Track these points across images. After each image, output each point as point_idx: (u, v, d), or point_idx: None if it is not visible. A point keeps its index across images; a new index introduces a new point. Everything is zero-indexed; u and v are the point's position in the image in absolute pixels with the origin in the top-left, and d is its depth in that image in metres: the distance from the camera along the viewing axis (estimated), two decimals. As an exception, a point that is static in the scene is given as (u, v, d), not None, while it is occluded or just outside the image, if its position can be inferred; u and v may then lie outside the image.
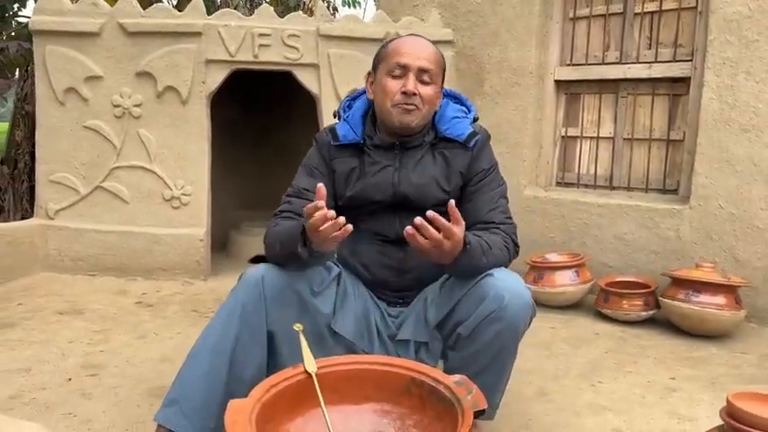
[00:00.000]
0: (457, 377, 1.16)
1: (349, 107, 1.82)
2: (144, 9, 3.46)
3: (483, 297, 1.45)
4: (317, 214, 1.34)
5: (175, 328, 2.73)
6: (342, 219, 1.36)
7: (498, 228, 1.62)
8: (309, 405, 1.18)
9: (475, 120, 1.78)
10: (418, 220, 1.33)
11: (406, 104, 1.62)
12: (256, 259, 4.18)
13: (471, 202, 1.69)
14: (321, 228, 1.34)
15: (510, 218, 1.69)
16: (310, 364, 1.23)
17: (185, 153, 3.51)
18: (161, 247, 3.49)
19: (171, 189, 3.50)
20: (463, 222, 1.40)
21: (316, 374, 1.21)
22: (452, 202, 1.39)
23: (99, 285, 3.35)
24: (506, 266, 1.59)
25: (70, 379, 2.14)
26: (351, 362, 1.27)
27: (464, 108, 1.79)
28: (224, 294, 3.18)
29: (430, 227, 1.34)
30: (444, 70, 1.72)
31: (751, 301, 2.81)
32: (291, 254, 1.49)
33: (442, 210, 1.68)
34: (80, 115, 3.46)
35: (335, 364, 1.25)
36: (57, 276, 3.46)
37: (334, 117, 1.86)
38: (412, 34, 1.73)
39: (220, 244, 4.15)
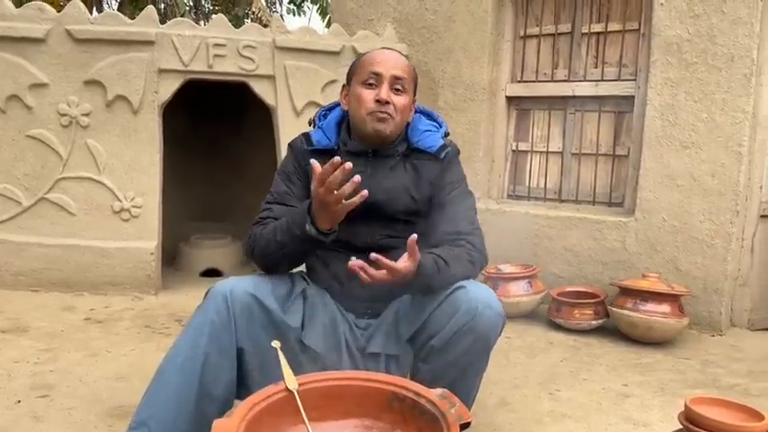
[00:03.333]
0: (439, 390, 1.18)
1: (324, 116, 1.85)
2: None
3: (456, 309, 1.48)
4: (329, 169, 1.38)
5: (128, 345, 2.64)
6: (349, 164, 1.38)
7: (465, 239, 1.66)
8: (292, 422, 1.17)
9: (446, 135, 1.83)
10: (358, 263, 1.42)
11: (380, 113, 1.65)
12: (207, 273, 4.10)
13: (440, 214, 1.72)
14: (333, 186, 1.39)
15: (478, 229, 1.73)
16: (291, 381, 1.22)
17: (136, 164, 3.42)
18: (109, 260, 3.38)
19: (120, 201, 3.40)
20: (417, 255, 1.46)
21: (297, 391, 1.20)
22: (414, 236, 1.44)
23: (43, 301, 3.21)
24: (473, 277, 1.63)
25: (19, 401, 2.04)
26: (331, 378, 1.27)
27: (435, 123, 1.84)
28: (176, 309, 3.16)
29: (370, 269, 1.42)
30: (416, 82, 1.77)
31: (692, 309, 2.96)
32: (293, 242, 1.52)
33: (411, 219, 1.72)
34: (23, 124, 3.31)
35: (316, 381, 1.25)
36: (-4, 292, 3.30)
37: (309, 125, 1.88)
38: (384, 47, 1.77)
39: (169, 257, 4.05)
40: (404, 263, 1.44)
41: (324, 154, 1.74)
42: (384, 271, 1.43)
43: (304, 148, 1.76)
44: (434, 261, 1.53)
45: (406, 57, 3.72)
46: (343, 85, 1.79)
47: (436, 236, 1.70)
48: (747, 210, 3.01)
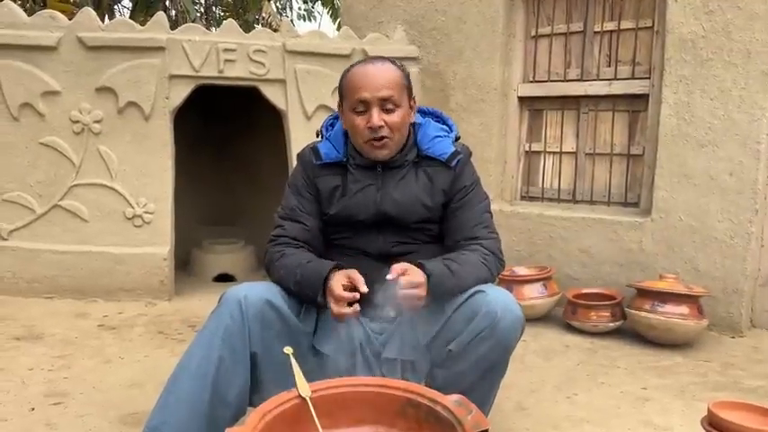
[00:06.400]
0: (455, 397, 1.16)
1: (332, 126, 1.84)
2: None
3: (475, 313, 1.46)
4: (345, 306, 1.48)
5: (142, 351, 2.64)
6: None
7: (480, 244, 1.64)
8: (305, 430, 1.15)
9: (457, 139, 1.79)
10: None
11: (376, 140, 1.62)
12: (220, 278, 4.10)
13: (455, 219, 1.70)
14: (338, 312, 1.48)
15: (494, 232, 1.71)
16: (304, 388, 1.20)
17: (148, 170, 3.42)
18: (122, 266, 3.38)
19: (133, 207, 3.40)
20: (410, 268, 1.47)
21: (310, 398, 1.18)
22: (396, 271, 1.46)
23: (57, 308, 3.22)
24: (491, 281, 1.61)
25: (33, 408, 2.04)
26: (345, 384, 1.24)
27: (446, 127, 1.80)
28: (190, 315, 3.16)
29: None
30: (410, 86, 1.69)
31: (711, 311, 2.90)
32: (304, 295, 1.57)
33: (424, 227, 1.70)
34: (36, 131, 3.32)
35: (329, 388, 1.23)
36: (11, 300, 3.30)
37: (317, 136, 1.86)
38: (369, 59, 1.70)
39: (181, 262, 4.05)
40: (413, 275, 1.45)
41: (333, 167, 1.74)
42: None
43: (313, 163, 1.75)
44: (445, 265, 1.52)
45: (416, 58, 3.78)
46: (339, 102, 1.74)
47: (450, 241, 1.68)
48: (767, 208, 2.95)
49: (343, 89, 1.68)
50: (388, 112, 1.61)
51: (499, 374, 1.54)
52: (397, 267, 1.45)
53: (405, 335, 1.63)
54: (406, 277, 1.43)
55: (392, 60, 1.69)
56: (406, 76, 1.69)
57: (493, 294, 1.48)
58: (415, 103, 1.74)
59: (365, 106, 1.61)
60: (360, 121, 1.62)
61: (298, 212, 1.72)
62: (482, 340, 1.44)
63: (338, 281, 1.49)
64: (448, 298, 1.52)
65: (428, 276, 1.46)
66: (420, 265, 1.50)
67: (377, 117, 1.59)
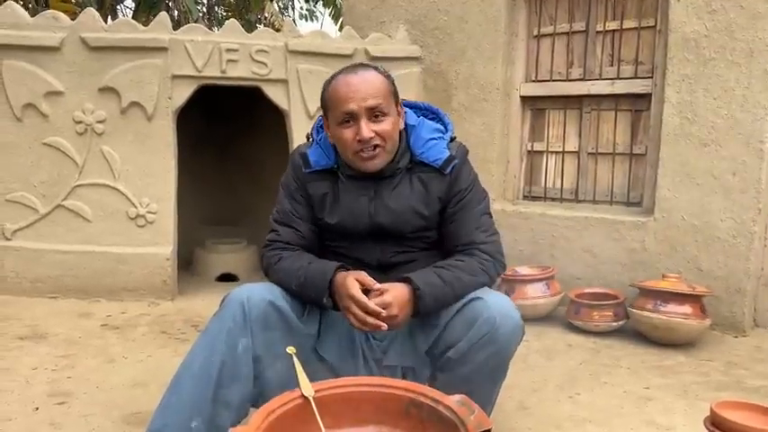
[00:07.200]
0: (457, 397, 1.16)
1: (322, 127, 1.75)
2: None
3: (474, 320, 1.45)
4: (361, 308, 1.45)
5: (145, 350, 2.65)
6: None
7: (478, 248, 1.61)
8: (308, 430, 1.15)
9: (452, 139, 1.72)
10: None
11: (366, 151, 1.55)
12: (223, 277, 4.11)
13: (453, 224, 1.66)
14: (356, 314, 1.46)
15: (493, 234, 1.67)
16: (307, 388, 1.20)
17: (151, 170, 3.43)
18: (125, 266, 3.39)
19: (136, 207, 3.41)
20: (386, 288, 1.47)
21: (313, 398, 1.18)
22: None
23: (61, 308, 3.23)
24: (489, 286, 1.59)
25: (37, 408, 2.04)
26: (348, 384, 1.25)
27: (440, 127, 1.72)
28: (192, 314, 3.16)
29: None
30: (396, 91, 1.62)
31: (714, 310, 2.90)
32: (306, 296, 1.56)
33: (421, 235, 1.68)
34: (39, 132, 3.33)
35: (332, 387, 1.23)
36: (15, 299, 3.31)
37: (307, 139, 1.81)
38: (350, 68, 1.61)
39: (184, 262, 4.06)
40: (386, 295, 1.46)
41: (323, 173, 1.69)
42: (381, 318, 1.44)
43: (302, 171, 1.69)
44: (437, 275, 1.50)
45: (418, 58, 3.78)
46: (323, 114, 1.67)
47: (449, 246, 1.66)
48: (770, 208, 2.95)
49: (327, 102, 1.60)
50: (376, 121, 1.54)
51: (499, 379, 1.53)
52: (375, 292, 1.45)
53: (404, 342, 1.62)
54: (372, 300, 1.43)
55: (375, 66, 1.62)
56: (391, 81, 1.61)
57: (491, 300, 1.46)
58: (402, 108, 1.67)
59: (353, 118, 1.54)
60: (348, 133, 1.54)
61: (291, 217, 1.69)
62: (481, 347, 1.43)
63: (356, 287, 1.46)
64: (442, 307, 1.51)
65: (415, 290, 1.46)
66: (408, 279, 1.49)
67: (366, 129, 1.52)
